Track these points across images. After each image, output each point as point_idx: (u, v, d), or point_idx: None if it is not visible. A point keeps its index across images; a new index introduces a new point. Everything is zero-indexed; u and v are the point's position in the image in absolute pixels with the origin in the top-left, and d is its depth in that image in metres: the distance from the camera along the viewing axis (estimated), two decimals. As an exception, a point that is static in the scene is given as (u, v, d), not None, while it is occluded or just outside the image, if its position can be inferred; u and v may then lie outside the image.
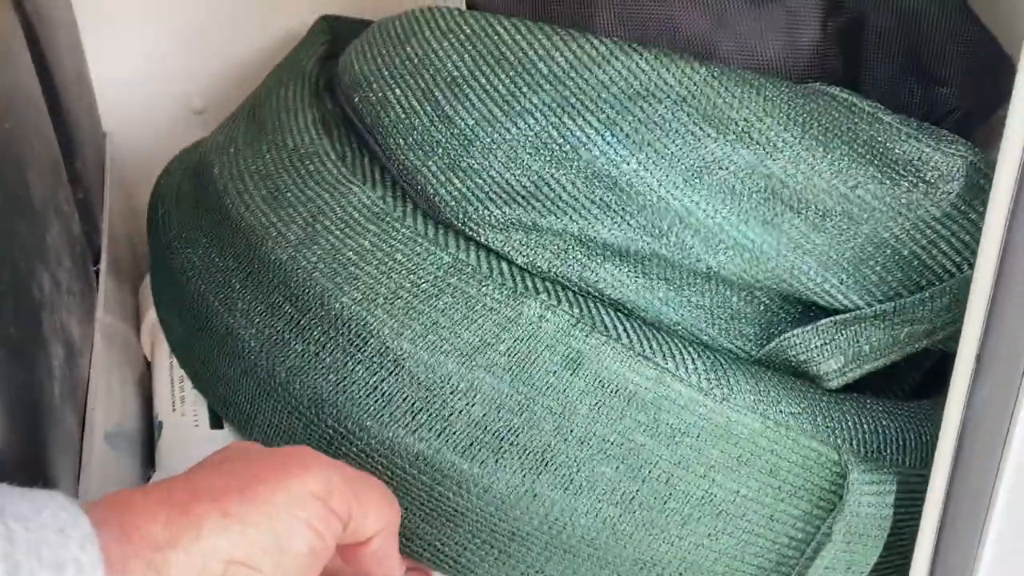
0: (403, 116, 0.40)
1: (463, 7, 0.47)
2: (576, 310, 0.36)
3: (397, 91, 0.41)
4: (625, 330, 0.36)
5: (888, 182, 0.35)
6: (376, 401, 0.36)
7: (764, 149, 0.35)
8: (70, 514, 0.23)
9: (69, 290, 0.38)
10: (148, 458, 0.47)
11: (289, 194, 0.41)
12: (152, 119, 0.69)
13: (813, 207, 0.35)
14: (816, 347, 0.37)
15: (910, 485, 0.38)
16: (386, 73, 0.42)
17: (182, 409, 0.46)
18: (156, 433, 0.47)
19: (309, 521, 0.27)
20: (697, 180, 0.36)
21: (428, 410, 0.36)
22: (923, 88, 0.41)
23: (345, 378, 0.36)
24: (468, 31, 0.40)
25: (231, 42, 0.69)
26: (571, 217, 0.36)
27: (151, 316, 0.52)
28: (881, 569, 0.38)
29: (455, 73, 0.39)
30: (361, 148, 0.43)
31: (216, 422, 0.45)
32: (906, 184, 0.35)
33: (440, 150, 0.39)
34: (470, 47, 0.40)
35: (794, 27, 0.38)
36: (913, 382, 0.43)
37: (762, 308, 0.38)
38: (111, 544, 0.23)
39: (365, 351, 0.36)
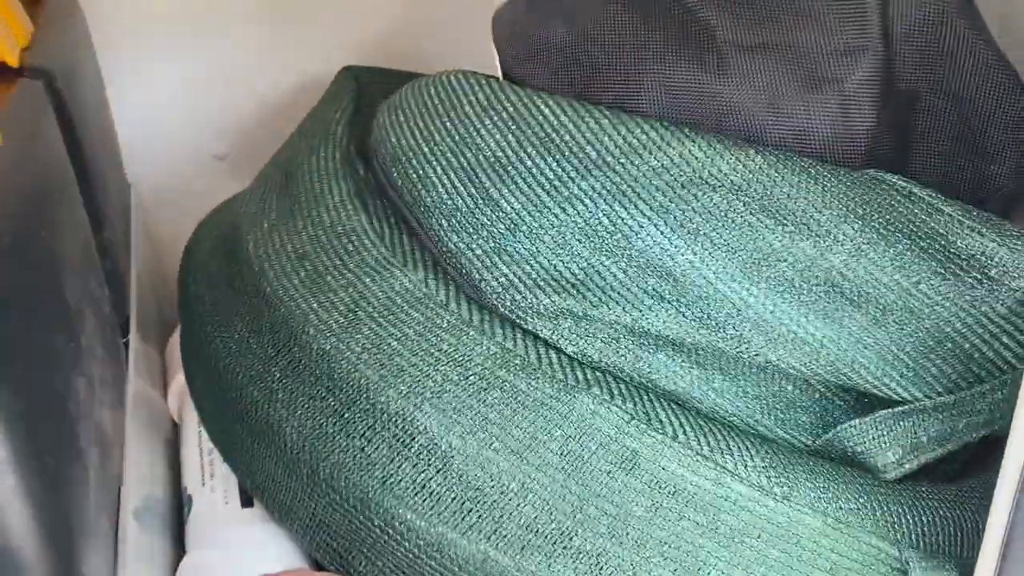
0: (445, 197, 0.39)
1: (499, 74, 0.46)
2: (630, 404, 0.35)
3: (438, 169, 0.40)
4: (681, 426, 0.35)
5: (952, 278, 0.35)
6: (424, 500, 0.35)
7: (824, 241, 0.35)
8: None
9: (102, 381, 0.37)
10: (178, 534, 0.46)
11: (329, 277, 0.40)
12: (175, 167, 0.69)
13: (874, 302, 0.35)
14: (874, 438, 0.37)
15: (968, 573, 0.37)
16: (426, 149, 0.41)
17: (211, 484, 0.46)
18: (186, 508, 0.46)
19: None
20: (755, 272, 0.35)
21: (478, 511, 0.35)
22: (973, 165, 0.41)
23: (392, 475, 0.35)
24: (511, 109, 0.39)
25: (251, 88, 0.68)
26: (623, 308, 0.36)
27: (179, 379, 0.51)
28: None
29: (499, 154, 0.38)
30: (399, 224, 0.42)
31: (247, 500, 0.45)
32: (970, 280, 0.35)
33: (485, 233, 0.38)
34: (514, 127, 0.39)
35: (849, 112, 0.37)
36: (961, 461, 0.42)
37: (817, 396, 0.37)
38: None
39: (412, 447, 0.35)
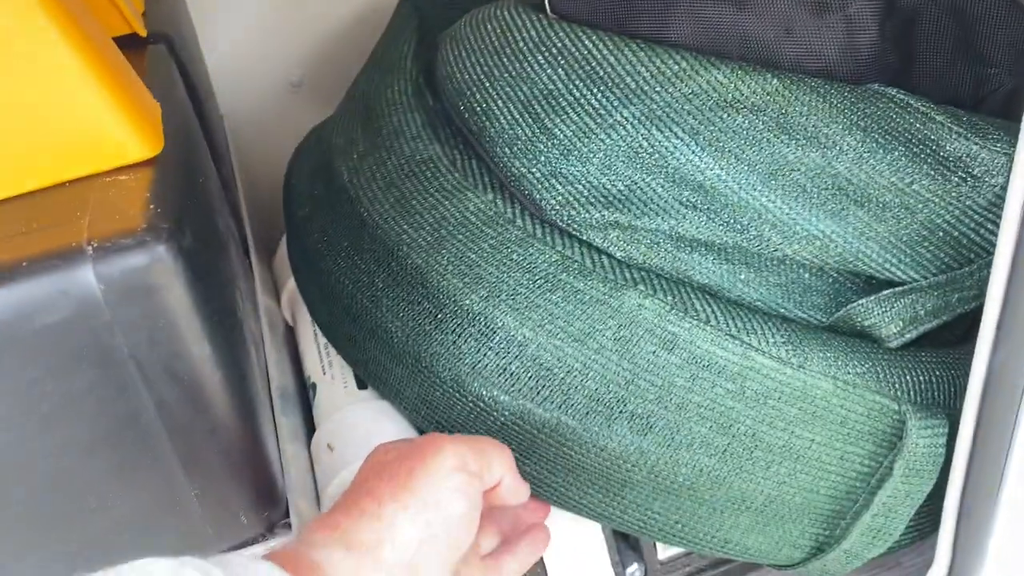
0: (507, 127, 0.46)
1: (547, 6, 0.51)
2: (670, 297, 0.43)
3: (500, 102, 0.46)
4: (713, 312, 0.42)
5: (940, 178, 0.40)
6: (506, 380, 0.43)
7: (831, 152, 0.41)
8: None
9: (245, 293, 0.46)
10: (306, 414, 0.56)
11: (415, 201, 0.47)
12: (255, 95, 0.76)
13: (875, 201, 0.41)
14: (878, 314, 0.43)
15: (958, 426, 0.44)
16: (487, 84, 0.47)
17: (331, 372, 0.55)
18: (311, 392, 0.56)
19: (458, 488, 0.35)
20: (772, 181, 0.41)
21: (550, 386, 0.43)
22: (972, 70, 0.45)
23: (479, 362, 0.44)
24: (559, 45, 0.45)
25: (322, 15, 0.74)
26: (662, 217, 0.42)
27: (289, 287, 0.60)
28: (936, 497, 0.45)
29: (551, 87, 0.45)
30: (467, 150, 0.49)
31: (362, 384, 0.54)
32: (956, 179, 0.40)
33: (543, 158, 0.44)
34: (563, 61, 0.44)
35: (854, 31, 0.42)
36: (964, 328, 0.49)
37: (831, 281, 0.44)
38: (344, 556, 0.32)
39: (494, 339, 0.44)
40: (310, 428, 0.54)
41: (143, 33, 0.46)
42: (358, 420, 0.49)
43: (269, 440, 0.43)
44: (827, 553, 0.46)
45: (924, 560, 0.54)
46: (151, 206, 0.33)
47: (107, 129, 0.35)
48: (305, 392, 0.57)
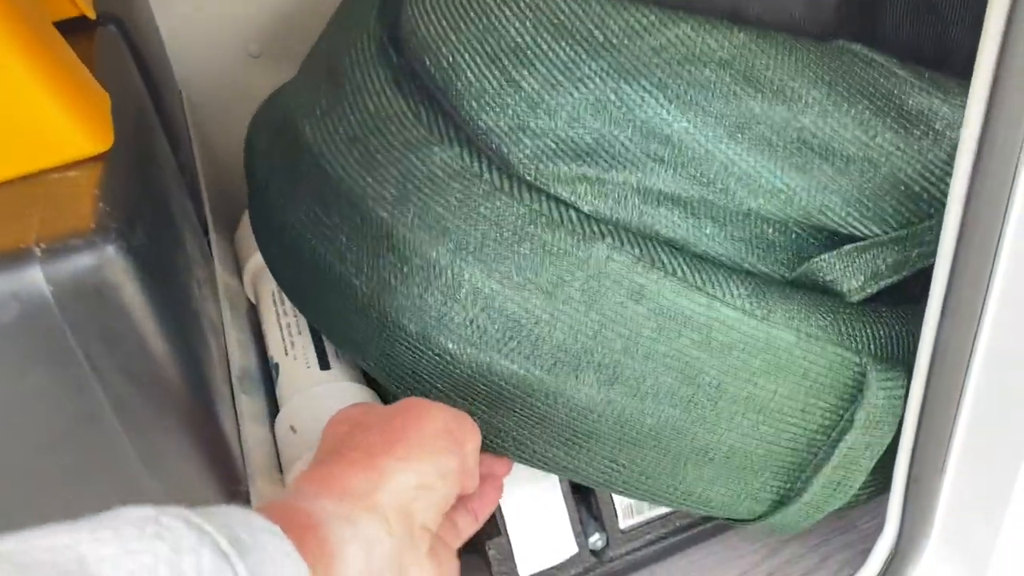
0: (474, 81, 0.45)
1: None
2: (637, 250, 0.43)
3: (466, 56, 0.46)
4: (679, 264, 0.43)
5: (903, 131, 0.41)
6: (473, 333, 0.43)
7: (796, 105, 0.41)
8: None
9: (204, 280, 0.45)
10: (270, 394, 0.55)
11: (380, 156, 0.47)
12: (214, 69, 0.74)
13: (839, 154, 0.41)
14: (840, 268, 0.44)
15: (918, 378, 0.45)
16: (453, 38, 0.47)
17: (293, 353, 0.54)
18: (274, 373, 0.55)
19: (448, 447, 0.36)
20: (739, 134, 0.41)
21: (517, 338, 0.43)
22: (935, 28, 0.46)
23: (445, 315, 0.44)
24: None
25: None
26: (629, 171, 0.43)
27: (252, 263, 0.60)
28: (888, 453, 0.46)
29: (519, 40, 0.44)
30: (433, 106, 0.48)
31: (324, 364, 0.53)
32: (918, 133, 0.41)
33: (510, 112, 0.44)
34: (531, 14, 0.44)
35: (820, -13, 0.43)
36: (922, 284, 0.50)
37: (794, 237, 0.45)
38: (336, 504, 0.32)
39: (461, 292, 0.43)
40: (275, 408, 0.54)
41: (92, 15, 0.45)
42: (321, 401, 0.49)
43: (230, 429, 0.43)
44: (788, 506, 0.47)
45: (878, 523, 0.55)
46: (100, 204, 0.32)
47: (52, 125, 0.34)
48: (269, 371, 0.56)
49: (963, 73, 0.46)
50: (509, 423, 0.44)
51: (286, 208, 0.50)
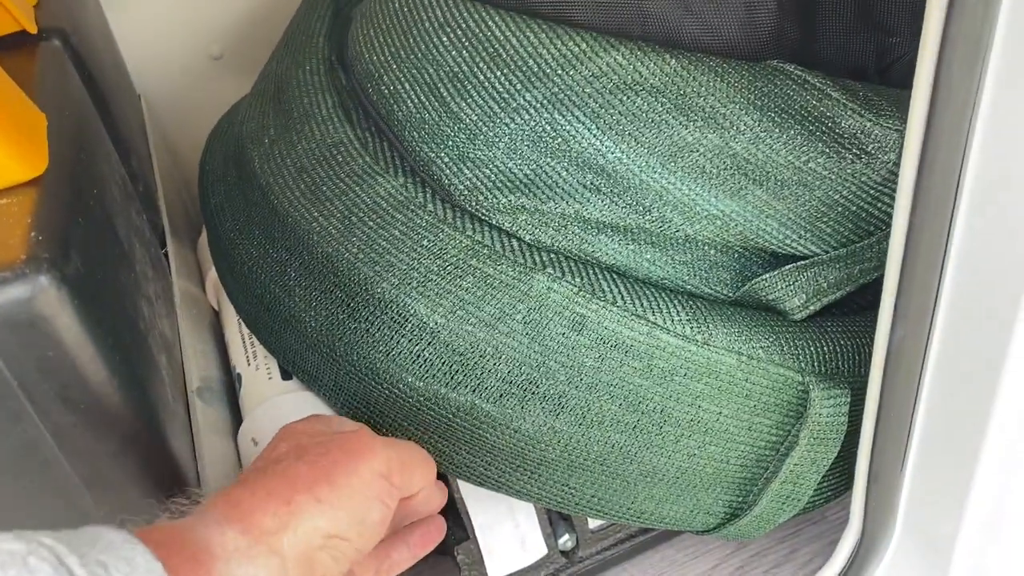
0: (414, 111, 0.45)
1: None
2: (578, 279, 0.43)
3: (407, 85, 0.46)
4: (620, 292, 0.43)
5: (835, 156, 0.41)
6: (420, 367, 0.44)
7: (728, 132, 0.41)
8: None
9: (156, 296, 0.46)
10: (233, 404, 0.56)
11: (325, 188, 0.47)
12: (175, 72, 0.74)
13: (773, 179, 0.41)
14: (783, 288, 0.44)
15: (864, 392, 0.45)
16: (394, 66, 0.47)
17: (256, 363, 0.55)
18: (237, 383, 0.56)
19: (379, 496, 0.35)
20: (672, 163, 0.41)
21: (463, 371, 0.43)
22: (875, 40, 0.46)
23: (392, 349, 0.44)
24: (464, 25, 0.44)
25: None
26: (567, 202, 0.43)
27: (213, 273, 0.60)
28: (847, 460, 0.47)
29: (456, 69, 0.44)
30: (378, 133, 0.48)
31: (286, 374, 0.54)
32: (850, 156, 0.41)
33: (450, 142, 0.44)
34: (467, 43, 0.44)
35: (753, 7, 0.42)
36: (870, 295, 0.50)
37: (736, 256, 0.45)
38: (237, 536, 0.31)
39: (406, 327, 0.44)
40: (239, 418, 0.55)
41: (33, 29, 0.45)
42: (281, 412, 0.49)
43: (181, 446, 0.43)
44: (740, 519, 0.47)
45: (847, 514, 0.56)
46: (32, 233, 0.32)
47: (-20, 153, 0.34)
48: (233, 381, 0.57)
49: (906, 84, 0.45)
50: (461, 452, 0.45)
51: (237, 241, 0.50)
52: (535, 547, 0.59)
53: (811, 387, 0.44)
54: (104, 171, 0.42)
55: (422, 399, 0.44)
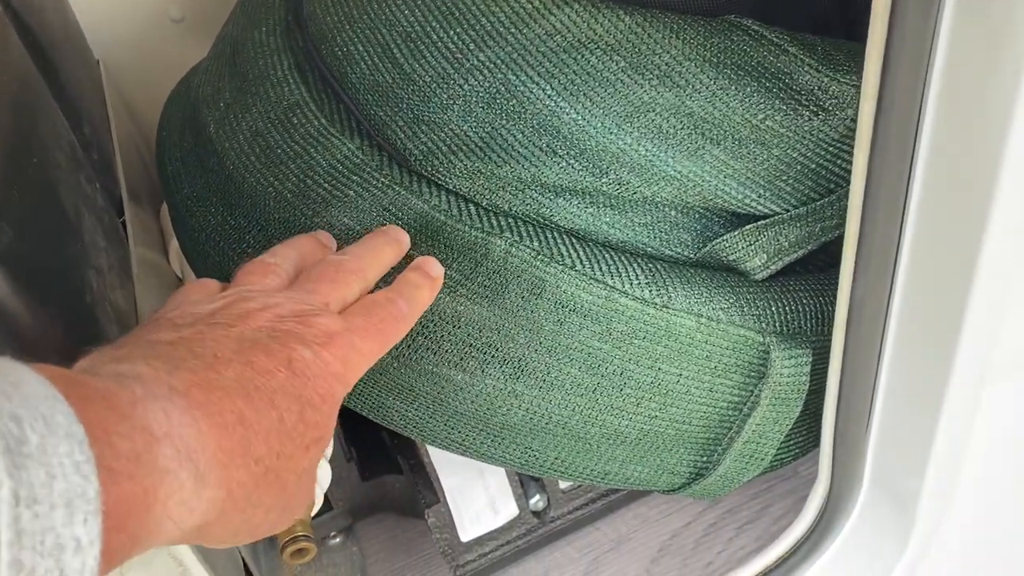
0: (368, 73, 0.44)
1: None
2: (536, 243, 0.43)
3: (360, 47, 0.45)
4: (579, 256, 0.43)
5: (792, 113, 0.40)
6: (379, 333, 0.44)
7: (684, 91, 0.40)
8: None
9: (110, 267, 0.45)
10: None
11: (280, 151, 0.46)
12: (133, 35, 0.72)
13: (730, 138, 0.41)
14: (743, 248, 0.44)
15: (828, 350, 0.45)
16: (347, 27, 0.46)
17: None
18: None
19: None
20: (628, 124, 0.41)
21: (424, 334, 0.43)
22: (840, -7, 0.45)
23: (352, 316, 0.44)
24: None
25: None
26: (523, 165, 0.42)
27: (176, 242, 0.59)
28: (809, 418, 0.47)
29: (409, 29, 0.43)
30: (334, 95, 0.47)
31: None
32: (807, 113, 0.40)
33: (404, 106, 0.43)
34: (420, 2, 0.43)
35: (710, -39, 0.41)
36: (832, 253, 0.50)
37: (696, 217, 0.44)
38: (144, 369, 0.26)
39: (365, 293, 0.43)
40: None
41: None
42: None
43: None
44: (705, 478, 0.48)
45: (817, 471, 0.57)
46: None
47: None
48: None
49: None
50: (425, 416, 0.45)
51: (194, 208, 0.49)
52: (506, 508, 0.60)
53: (771, 347, 0.44)
54: (47, 139, 0.41)
55: (384, 363, 0.44)
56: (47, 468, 0.20)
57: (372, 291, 0.38)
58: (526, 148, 0.42)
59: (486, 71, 0.41)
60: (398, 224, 0.43)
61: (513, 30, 0.41)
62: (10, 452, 0.19)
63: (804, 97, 0.40)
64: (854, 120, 0.41)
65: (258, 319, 0.31)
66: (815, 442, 0.52)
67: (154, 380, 0.26)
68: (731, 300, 0.44)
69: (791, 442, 0.50)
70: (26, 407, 0.20)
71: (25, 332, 0.32)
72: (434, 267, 0.40)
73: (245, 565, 0.51)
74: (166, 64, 0.68)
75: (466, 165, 0.43)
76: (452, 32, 0.42)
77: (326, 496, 0.48)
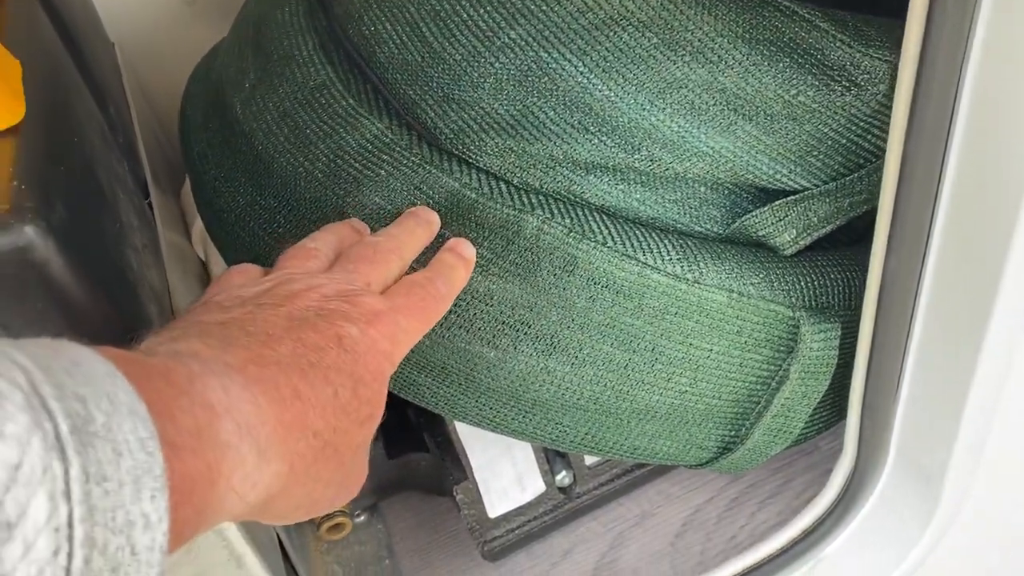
0: (396, 52, 0.44)
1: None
2: (568, 220, 0.43)
3: (388, 25, 0.45)
4: (610, 233, 0.43)
5: (824, 88, 0.40)
6: (412, 311, 0.44)
7: (717, 67, 0.40)
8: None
9: (144, 245, 0.45)
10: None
11: (309, 131, 0.46)
12: (148, 19, 0.72)
13: (762, 113, 0.41)
14: (773, 223, 0.44)
15: (856, 324, 0.46)
16: (375, 7, 0.46)
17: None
18: None
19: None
20: (660, 100, 0.41)
21: (456, 312, 0.44)
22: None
23: (385, 294, 0.44)
24: None
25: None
26: (555, 142, 0.42)
27: (199, 222, 0.59)
28: (836, 392, 0.48)
29: (438, 7, 0.43)
30: (361, 74, 0.47)
31: None
32: (839, 88, 0.40)
33: (434, 84, 0.43)
34: None
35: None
36: (860, 228, 0.50)
37: (727, 192, 0.45)
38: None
39: (397, 271, 0.44)
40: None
41: None
42: None
43: None
44: (733, 452, 0.48)
45: (840, 444, 0.57)
46: (14, 183, 0.31)
47: (-44, 101, 0.33)
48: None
49: (899, 13, 0.44)
50: (457, 393, 0.46)
51: (222, 190, 0.50)
52: (533, 485, 0.61)
53: (801, 322, 0.44)
54: (82, 119, 0.41)
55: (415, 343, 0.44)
56: (113, 445, 0.20)
57: (407, 273, 0.38)
58: (558, 125, 0.42)
59: (517, 49, 0.42)
60: (429, 203, 0.43)
61: (544, 7, 0.41)
62: (77, 431, 0.19)
63: (836, 72, 0.40)
64: (886, 95, 0.41)
65: (304, 299, 0.31)
66: (840, 416, 0.53)
67: (210, 357, 0.26)
68: (761, 275, 0.44)
69: (816, 416, 0.51)
70: (90, 386, 0.20)
71: (80, 311, 0.33)
72: (467, 248, 0.40)
73: (280, 544, 0.52)
74: (179, 47, 0.68)
75: (497, 143, 0.43)
76: (482, 10, 0.42)
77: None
